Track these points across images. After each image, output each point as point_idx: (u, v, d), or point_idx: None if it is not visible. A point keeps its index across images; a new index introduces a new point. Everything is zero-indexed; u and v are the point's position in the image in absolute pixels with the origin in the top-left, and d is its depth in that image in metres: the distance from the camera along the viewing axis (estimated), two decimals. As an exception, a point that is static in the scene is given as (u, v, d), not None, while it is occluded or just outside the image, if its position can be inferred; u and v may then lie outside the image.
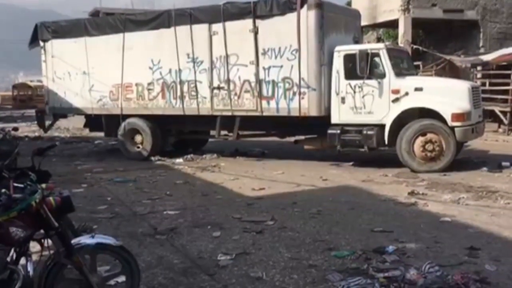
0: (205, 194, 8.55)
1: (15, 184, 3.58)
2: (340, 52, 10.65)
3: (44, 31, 13.98)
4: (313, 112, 10.74)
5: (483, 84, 17.94)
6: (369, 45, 12.99)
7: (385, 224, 6.42)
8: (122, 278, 4.04)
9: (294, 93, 10.85)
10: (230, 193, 8.66)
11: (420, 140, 10.08)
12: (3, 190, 3.40)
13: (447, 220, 6.60)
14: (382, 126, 10.34)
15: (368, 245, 5.58)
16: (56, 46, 13.83)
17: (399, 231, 6.11)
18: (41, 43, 14.06)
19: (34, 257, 3.65)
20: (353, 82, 10.46)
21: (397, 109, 10.22)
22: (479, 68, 20.09)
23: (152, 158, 12.60)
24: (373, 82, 10.32)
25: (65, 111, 14.48)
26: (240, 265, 5.10)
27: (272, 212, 7.10)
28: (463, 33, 22.54)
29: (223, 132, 12.37)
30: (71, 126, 20.83)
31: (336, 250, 5.46)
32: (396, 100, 10.22)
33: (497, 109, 17.11)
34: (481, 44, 22.17)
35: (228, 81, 11.58)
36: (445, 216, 6.77)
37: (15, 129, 10.02)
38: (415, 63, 16.37)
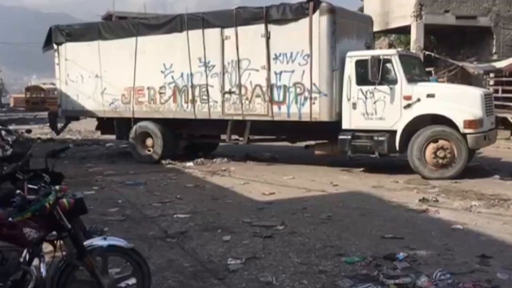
0: (215, 198, 8.57)
1: (29, 186, 3.62)
2: (352, 58, 10.64)
3: (58, 34, 14.12)
4: (324, 117, 10.74)
5: (496, 91, 17.83)
6: (381, 51, 12.99)
7: (396, 230, 6.40)
8: (132, 281, 4.05)
9: (305, 98, 10.85)
10: (240, 197, 8.68)
11: (431, 146, 10.02)
12: (17, 192, 3.45)
13: (458, 227, 6.56)
14: (393, 132, 10.30)
15: (378, 251, 5.56)
16: (69, 49, 13.96)
17: (410, 238, 6.08)
18: (55, 46, 14.20)
19: (47, 258, 3.68)
20: (365, 88, 10.44)
21: (408, 115, 10.18)
22: (491, 75, 19.98)
23: (163, 161, 12.65)
24: (385, 88, 10.30)
25: (77, 113, 14.59)
26: (250, 270, 5.10)
27: (282, 217, 7.09)
28: (476, 40, 22.44)
29: (233, 137, 12.40)
30: (83, 128, 20.98)
31: (346, 256, 5.45)
32: (407, 106, 10.19)
33: (509, 116, 16.98)
34: (494, 51, 22.04)
35: (239, 85, 11.61)
36: (456, 223, 6.73)
37: (28, 131, 10.14)
38: (427, 69, 16.31)
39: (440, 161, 9.97)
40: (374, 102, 10.39)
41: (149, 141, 13.04)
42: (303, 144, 12.29)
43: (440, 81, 18.30)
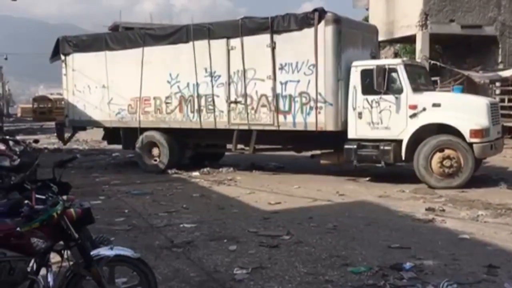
0: (221, 207, 8.58)
1: (37, 196, 3.65)
2: (357, 67, 10.67)
3: (66, 45, 14.24)
4: (330, 127, 10.75)
5: (502, 100, 17.84)
6: (386, 61, 12.98)
7: (402, 240, 6.37)
8: (139, 290, 4.06)
9: (311, 108, 10.88)
10: (246, 207, 8.67)
11: (438, 156, 10.00)
12: (25, 201, 3.47)
13: (465, 237, 6.53)
14: (399, 142, 10.29)
15: (385, 261, 5.54)
16: (77, 60, 14.07)
17: (417, 247, 6.06)
18: (62, 57, 14.32)
19: (54, 268, 3.69)
20: (370, 97, 10.45)
21: (414, 125, 10.17)
22: (497, 84, 19.97)
23: (169, 171, 12.68)
24: (390, 97, 10.30)
25: (84, 123, 14.67)
26: (256, 280, 5.09)
27: (288, 227, 7.09)
28: (481, 49, 22.43)
29: (239, 146, 12.42)
30: (90, 138, 21.09)
31: (353, 266, 5.43)
32: (413, 115, 10.18)
33: (516, 125, 16.93)
34: (499, 60, 22.04)
35: (245, 95, 11.65)
36: (463, 233, 6.70)
37: (36, 141, 10.18)
38: (433, 78, 16.31)
39: (447, 170, 9.94)
40: (380, 112, 10.40)
41: (155, 151, 13.09)
42: (309, 153, 12.29)
43: (445, 90, 18.30)
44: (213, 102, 12.07)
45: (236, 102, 11.80)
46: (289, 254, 5.89)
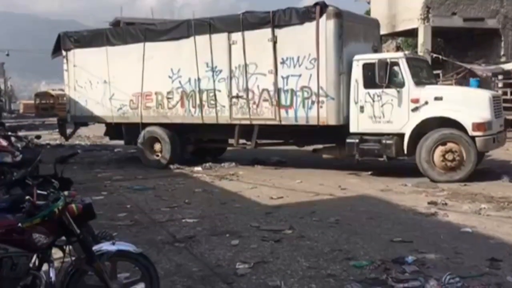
0: (223, 202, 8.58)
1: (39, 191, 3.65)
2: (359, 61, 10.63)
3: (67, 41, 14.23)
4: (332, 121, 10.73)
5: (505, 93, 17.78)
6: (388, 54, 12.96)
7: (405, 234, 6.37)
8: (141, 285, 4.05)
9: (312, 102, 10.85)
10: (248, 201, 8.68)
11: (440, 149, 9.98)
12: (27, 197, 3.48)
13: (467, 230, 6.52)
14: (401, 136, 10.27)
15: (387, 255, 5.54)
16: (78, 56, 14.07)
17: (419, 241, 6.05)
18: (64, 53, 14.32)
19: (56, 263, 3.70)
20: (372, 91, 10.43)
21: (416, 118, 10.15)
22: (500, 77, 19.91)
23: (171, 166, 12.69)
24: (392, 91, 10.28)
25: (86, 119, 14.69)
26: (258, 274, 5.10)
27: (291, 221, 7.09)
28: (483, 42, 22.36)
29: (241, 141, 12.41)
30: (92, 134, 21.10)
31: (355, 259, 5.43)
32: (415, 109, 10.16)
33: (519, 118, 16.85)
34: (502, 53, 21.97)
35: (247, 90, 11.63)
36: (465, 226, 6.69)
37: (38, 137, 10.19)
38: (435, 72, 16.26)
39: (449, 164, 9.93)
40: (382, 105, 10.37)
41: (157, 146, 13.10)
42: (311, 148, 12.28)
43: (448, 84, 18.28)
44: (215, 97, 12.06)
45: (237, 96, 11.79)
46: (291, 249, 5.89)
